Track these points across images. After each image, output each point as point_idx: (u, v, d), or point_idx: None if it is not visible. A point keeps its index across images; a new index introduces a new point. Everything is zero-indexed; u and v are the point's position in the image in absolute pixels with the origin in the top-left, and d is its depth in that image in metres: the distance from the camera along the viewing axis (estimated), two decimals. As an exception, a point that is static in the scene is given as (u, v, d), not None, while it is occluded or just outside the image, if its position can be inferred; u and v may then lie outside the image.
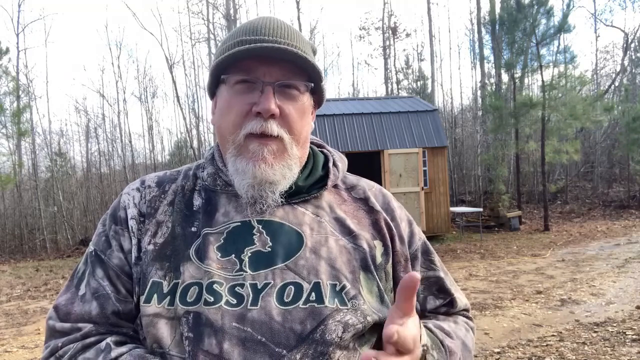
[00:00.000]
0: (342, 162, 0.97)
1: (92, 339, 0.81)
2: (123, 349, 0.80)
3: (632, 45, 21.04)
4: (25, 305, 7.16)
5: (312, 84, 0.86)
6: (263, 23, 0.85)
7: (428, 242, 1.00)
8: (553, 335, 4.48)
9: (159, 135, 33.62)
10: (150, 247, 0.85)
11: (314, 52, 0.92)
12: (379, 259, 0.87)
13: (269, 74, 0.82)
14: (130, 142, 21.40)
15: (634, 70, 21.66)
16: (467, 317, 1.01)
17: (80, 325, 0.83)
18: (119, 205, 0.91)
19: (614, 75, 21.93)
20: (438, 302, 0.97)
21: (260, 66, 0.82)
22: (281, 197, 0.85)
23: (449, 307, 0.98)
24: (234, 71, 0.84)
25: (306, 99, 0.86)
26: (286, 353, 0.75)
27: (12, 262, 12.74)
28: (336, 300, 0.79)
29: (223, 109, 0.86)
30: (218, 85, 0.88)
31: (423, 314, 0.96)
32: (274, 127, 0.81)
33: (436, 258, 1.00)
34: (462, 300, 1.00)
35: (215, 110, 0.91)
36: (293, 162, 0.85)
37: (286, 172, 0.84)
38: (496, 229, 12.43)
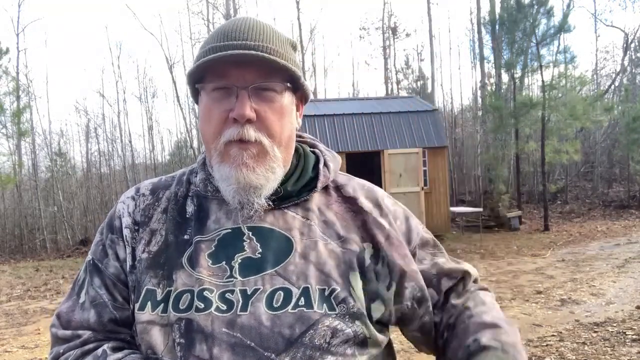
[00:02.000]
0: (334, 162, 0.95)
1: (90, 346, 0.84)
2: (119, 354, 0.82)
3: (632, 45, 21.04)
4: (25, 305, 7.17)
5: (289, 84, 0.84)
6: (234, 26, 0.84)
7: (428, 234, 0.96)
8: (553, 335, 4.48)
9: (159, 135, 33.71)
10: (145, 255, 0.86)
11: (294, 48, 0.89)
12: (367, 260, 0.85)
13: (242, 78, 0.80)
14: (130, 142, 21.44)
15: (634, 70, 21.66)
16: (482, 288, 0.97)
17: (80, 332, 0.86)
18: (115, 214, 0.92)
19: (614, 75, 21.93)
20: (451, 282, 0.93)
21: (234, 70, 0.80)
22: (271, 201, 0.84)
23: (464, 282, 0.95)
24: (208, 78, 0.83)
25: (285, 99, 0.84)
26: (275, 357, 0.75)
27: (12, 262, 12.75)
28: (325, 305, 0.79)
29: (203, 116, 0.85)
30: (199, 92, 0.87)
31: (444, 298, 0.92)
32: (250, 133, 0.80)
33: (438, 247, 0.96)
34: (471, 269, 0.97)
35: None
36: (276, 165, 0.83)
37: (269, 175, 0.82)
38: (496, 229, 12.41)
